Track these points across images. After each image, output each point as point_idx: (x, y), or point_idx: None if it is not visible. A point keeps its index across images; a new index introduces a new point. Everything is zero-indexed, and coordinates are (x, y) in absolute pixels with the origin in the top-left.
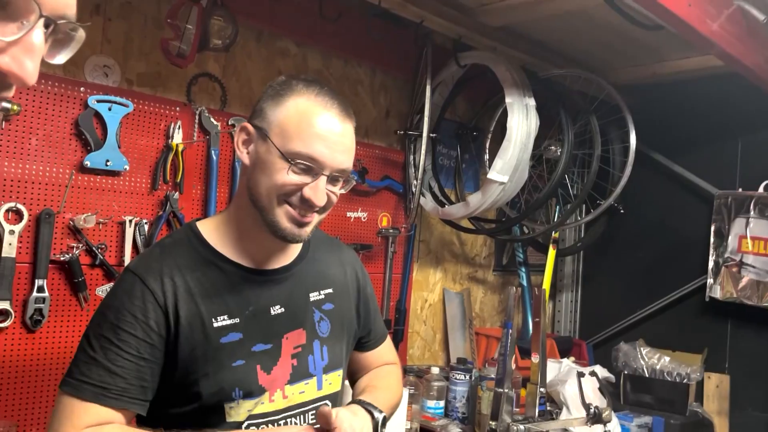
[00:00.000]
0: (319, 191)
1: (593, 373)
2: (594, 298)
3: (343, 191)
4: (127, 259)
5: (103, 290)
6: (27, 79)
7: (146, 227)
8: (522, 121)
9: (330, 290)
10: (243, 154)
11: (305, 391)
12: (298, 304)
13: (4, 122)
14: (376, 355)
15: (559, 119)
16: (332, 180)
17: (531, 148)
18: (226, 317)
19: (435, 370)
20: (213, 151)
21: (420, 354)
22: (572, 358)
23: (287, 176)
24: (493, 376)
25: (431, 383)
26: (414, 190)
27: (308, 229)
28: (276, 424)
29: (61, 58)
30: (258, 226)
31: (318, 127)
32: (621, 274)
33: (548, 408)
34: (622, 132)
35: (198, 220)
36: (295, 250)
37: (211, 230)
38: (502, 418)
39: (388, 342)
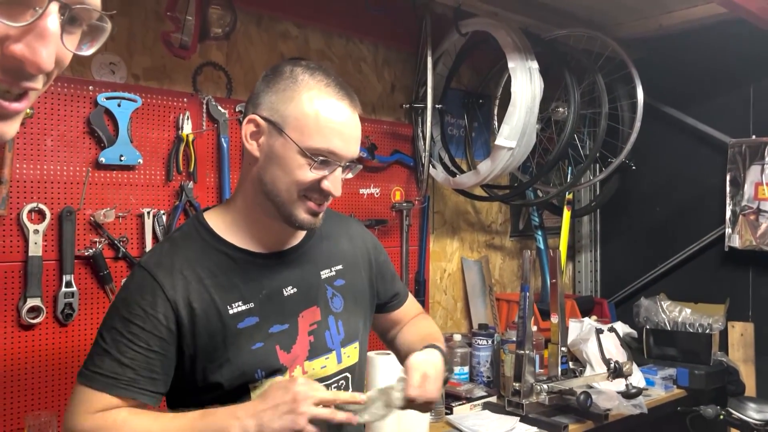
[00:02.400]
0: (337, 182)
1: (612, 329)
2: (613, 256)
3: (350, 176)
4: (149, 250)
5: None
6: (43, 65)
7: (164, 218)
8: (526, 84)
9: (340, 266)
10: (252, 147)
11: (327, 365)
12: (310, 283)
13: (20, 126)
14: (404, 311)
15: (564, 80)
16: (345, 168)
17: (537, 111)
18: (240, 303)
19: (457, 337)
20: (223, 139)
21: (443, 323)
22: (594, 317)
23: (309, 172)
24: (514, 339)
25: (454, 350)
26: (424, 162)
27: (320, 217)
28: None
29: (90, 50)
30: (269, 215)
31: (336, 122)
32: (639, 230)
33: (571, 366)
34: (629, 88)
35: (205, 210)
36: (301, 231)
37: (218, 220)
38: (525, 378)
39: (412, 298)
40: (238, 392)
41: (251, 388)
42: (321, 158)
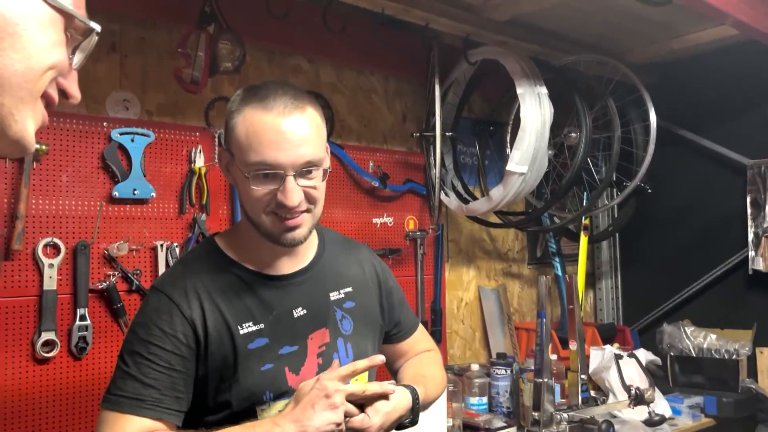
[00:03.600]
0: (288, 192)
1: (632, 355)
2: (634, 282)
3: (318, 183)
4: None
5: None
6: (78, 98)
7: (177, 250)
8: (535, 109)
9: (350, 288)
10: (228, 177)
11: None
12: (320, 305)
13: (35, 162)
14: (410, 344)
15: (575, 105)
16: (303, 175)
17: (547, 136)
18: (251, 323)
19: (475, 367)
20: None
21: (461, 353)
22: (616, 345)
23: (253, 189)
24: (532, 367)
25: (472, 380)
26: (435, 191)
27: (302, 231)
28: None
29: (78, 61)
30: (261, 236)
31: (263, 133)
32: (659, 255)
33: (593, 395)
34: (642, 110)
35: (215, 234)
36: (309, 252)
37: (228, 242)
38: (545, 407)
39: (422, 330)
40: (245, 413)
41: (258, 411)
42: (259, 173)
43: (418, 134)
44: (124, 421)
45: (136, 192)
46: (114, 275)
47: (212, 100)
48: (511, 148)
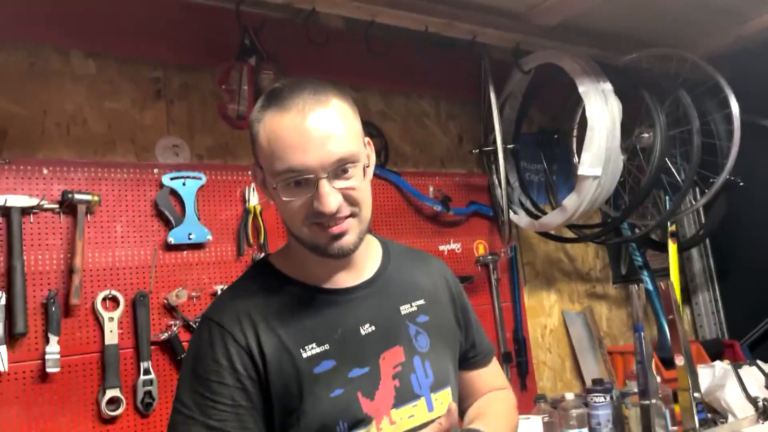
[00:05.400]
0: (323, 198)
1: (752, 363)
2: (735, 291)
3: (358, 183)
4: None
5: None
6: None
7: None
8: (601, 107)
9: (422, 301)
10: (266, 194)
11: (414, 414)
12: (390, 320)
13: (88, 215)
14: (484, 377)
15: (644, 103)
16: (338, 176)
17: (618, 134)
18: (314, 345)
19: (570, 396)
20: None
21: (551, 385)
22: (726, 361)
23: (285, 201)
24: (635, 390)
25: (569, 411)
26: (503, 206)
27: (350, 238)
28: None
29: None
30: (309, 251)
31: (284, 137)
32: (761, 258)
33: (709, 416)
34: (719, 99)
35: (269, 254)
36: (372, 264)
37: (281, 261)
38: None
39: (496, 364)
40: None
41: None
42: (286, 181)
43: (477, 150)
44: None
45: (191, 236)
46: (175, 324)
47: None
48: (578, 157)
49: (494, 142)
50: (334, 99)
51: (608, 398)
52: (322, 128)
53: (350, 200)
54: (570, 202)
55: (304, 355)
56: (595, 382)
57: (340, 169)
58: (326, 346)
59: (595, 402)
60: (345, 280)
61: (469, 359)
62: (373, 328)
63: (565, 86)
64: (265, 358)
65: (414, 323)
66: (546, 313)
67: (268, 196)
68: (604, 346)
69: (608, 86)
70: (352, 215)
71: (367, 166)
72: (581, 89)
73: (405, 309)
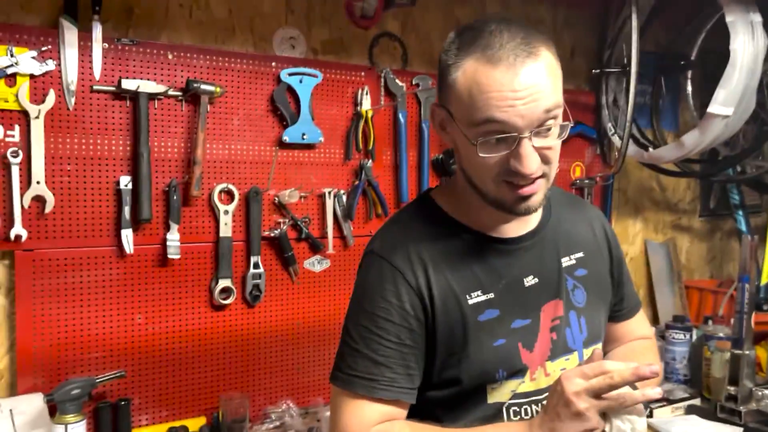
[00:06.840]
0: (524, 159)
1: None
2: None
3: (554, 141)
4: (330, 232)
5: (310, 263)
6: None
7: (344, 198)
8: (747, 41)
9: (581, 254)
10: (444, 137)
11: (566, 368)
12: (551, 272)
13: (209, 105)
14: (628, 327)
15: None
16: (540, 134)
17: (759, 73)
18: (479, 293)
19: None
20: (401, 114)
21: None
22: None
23: (481, 158)
24: (721, 335)
25: None
26: (610, 133)
27: (538, 198)
28: (539, 404)
29: None
30: (485, 202)
31: (491, 91)
32: None
33: None
34: None
35: (432, 190)
36: (536, 213)
37: (446, 201)
38: (743, 383)
39: (642, 314)
40: (475, 391)
41: (489, 389)
42: (487, 139)
43: (597, 71)
44: (363, 406)
45: (305, 136)
46: (284, 223)
47: (376, 36)
48: (692, 87)
49: (610, 63)
50: (543, 50)
51: (687, 336)
52: (533, 85)
53: (545, 160)
54: (690, 139)
55: (470, 302)
56: (676, 318)
57: (543, 127)
58: (491, 295)
59: (673, 338)
60: (511, 229)
61: (615, 313)
62: (537, 280)
63: (691, 7)
64: (434, 300)
65: (572, 277)
66: (629, 241)
67: (448, 139)
68: (682, 280)
69: (758, 17)
70: (543, 175)
71: (565, 126)
72: (729, 18)
73: (565, 261)
